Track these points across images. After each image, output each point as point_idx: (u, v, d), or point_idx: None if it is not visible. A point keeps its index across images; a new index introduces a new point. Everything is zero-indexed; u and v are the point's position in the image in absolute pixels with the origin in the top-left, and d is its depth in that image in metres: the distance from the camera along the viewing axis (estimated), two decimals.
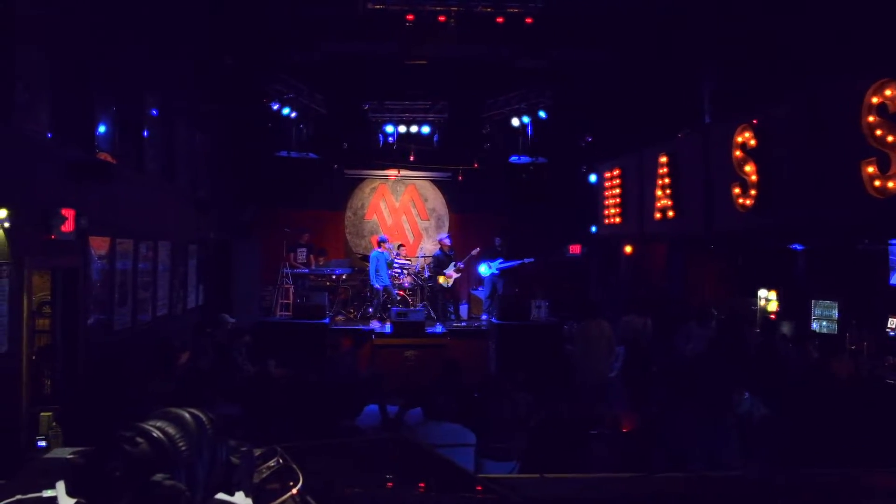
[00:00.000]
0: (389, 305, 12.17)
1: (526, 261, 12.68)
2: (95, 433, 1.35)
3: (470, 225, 14.78)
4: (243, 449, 1.39)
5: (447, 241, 12.99)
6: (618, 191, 11.13)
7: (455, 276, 12.94)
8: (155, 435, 1.21)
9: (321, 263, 13.39)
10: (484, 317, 12.83)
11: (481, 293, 13.38)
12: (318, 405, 6.60)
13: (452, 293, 13.24)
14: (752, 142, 7.31)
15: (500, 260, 12.75)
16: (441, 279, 12.79)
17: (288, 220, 13.44)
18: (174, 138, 9.32)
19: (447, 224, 15.11)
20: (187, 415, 1.29)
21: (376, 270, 12.21)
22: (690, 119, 9.88)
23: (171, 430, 1.23)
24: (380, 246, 12.43)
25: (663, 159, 9.43)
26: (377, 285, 12.31)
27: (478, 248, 13.00)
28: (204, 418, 1.30)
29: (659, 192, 9.48)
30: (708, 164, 8.38)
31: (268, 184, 13.56)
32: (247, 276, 11.35)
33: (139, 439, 1.20)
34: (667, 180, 9.34)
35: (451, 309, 13.30)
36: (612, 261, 12.92)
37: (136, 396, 5.91)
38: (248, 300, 11.19)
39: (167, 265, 8.73)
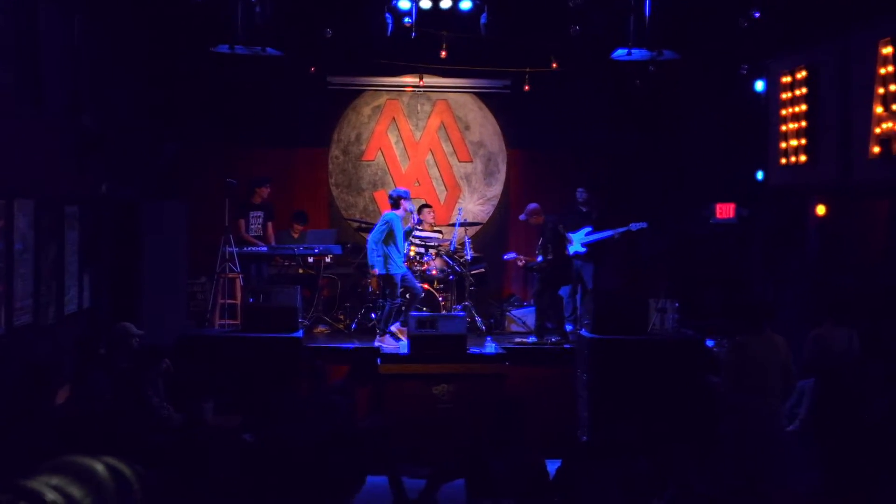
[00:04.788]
0: (404, 308, 12.25)
1: (633, 227, 12.49)
2: None
3: (539, 169, 14.84)
4: None
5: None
6: (804, 107, 10.97)
7: (519, 262, 13.24)
8: (49, 499, 1.21)
9: (296, 236, 13.48)
10: (567, 327, 12.83)
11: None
12: (287, 477, 6.70)
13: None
14: None
15: (588, 229, 12.55)
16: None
17: (233, 163, 13.58)
18: (37, 26, 9.40)
19: (503, 168, 15.13)
20: (101, 467, 1.28)
21: (384, 251, 11.92)
22: None
23: (74, 491, 1.23)
24: (395, 206, 12.26)
25: (887, 49, 9.28)
26: (385, 272, 12.09)
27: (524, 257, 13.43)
28: (129, 474, 1.31)
29: (879, 109, 9.31)
30: None
31: (199, 102, 13.65)
32: (165, 258, 11.46)
33: None
34: (893, 87, 9.20)
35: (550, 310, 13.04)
36: (791, 232, 12.76)
37: None
38: (166, 300, 11.35)
39: (29, 241, 8.79)
